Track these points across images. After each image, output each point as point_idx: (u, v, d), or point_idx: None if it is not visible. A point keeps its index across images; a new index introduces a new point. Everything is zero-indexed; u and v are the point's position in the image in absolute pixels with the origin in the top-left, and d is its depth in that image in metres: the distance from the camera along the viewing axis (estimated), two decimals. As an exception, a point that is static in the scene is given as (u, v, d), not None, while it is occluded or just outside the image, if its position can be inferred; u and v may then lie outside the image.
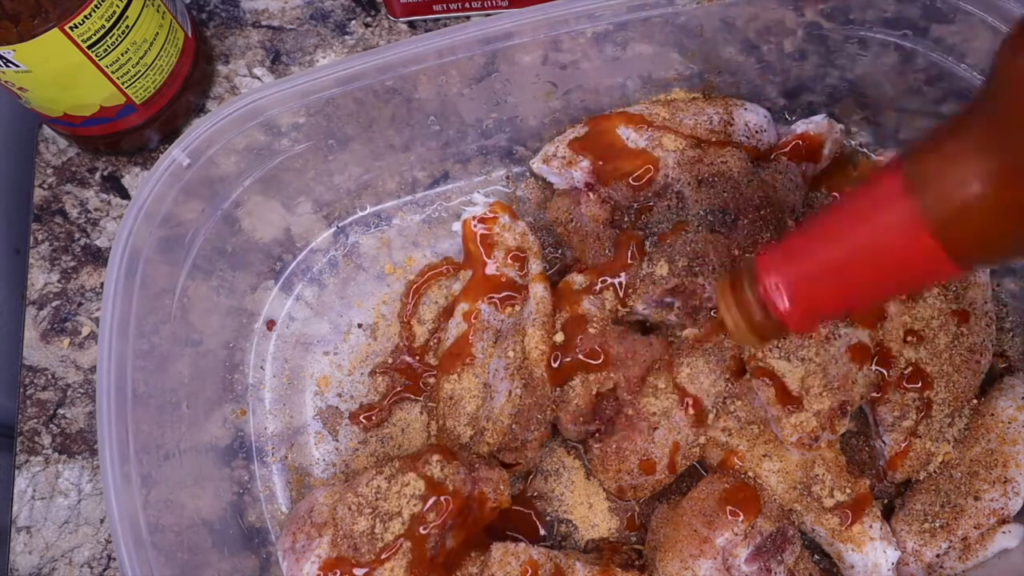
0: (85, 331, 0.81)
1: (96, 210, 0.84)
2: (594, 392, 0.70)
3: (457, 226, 0.79)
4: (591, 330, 0.71)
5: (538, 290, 0.73)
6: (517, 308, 0.74)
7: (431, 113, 0.76)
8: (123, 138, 0.83)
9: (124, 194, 0.85)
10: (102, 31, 0.72)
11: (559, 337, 0.72)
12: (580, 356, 0.71)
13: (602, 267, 0.74)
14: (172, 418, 0.70)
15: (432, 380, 0.76)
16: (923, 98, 0.77)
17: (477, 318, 0.73)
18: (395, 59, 0.70)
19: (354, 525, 0.64)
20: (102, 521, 0.76)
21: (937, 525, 0.68)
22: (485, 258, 0.75)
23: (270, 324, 0.79)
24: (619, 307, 0.73)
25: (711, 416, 0.70)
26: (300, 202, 0.79)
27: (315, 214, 0.80)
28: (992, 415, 0.71)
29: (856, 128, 0.82)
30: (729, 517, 0.66)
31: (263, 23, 0.89)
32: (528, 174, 0.82)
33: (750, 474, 0.69)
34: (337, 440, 0.77)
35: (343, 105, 0.72)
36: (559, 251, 0.79)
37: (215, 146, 0.70)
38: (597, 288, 0.73)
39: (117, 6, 0.72)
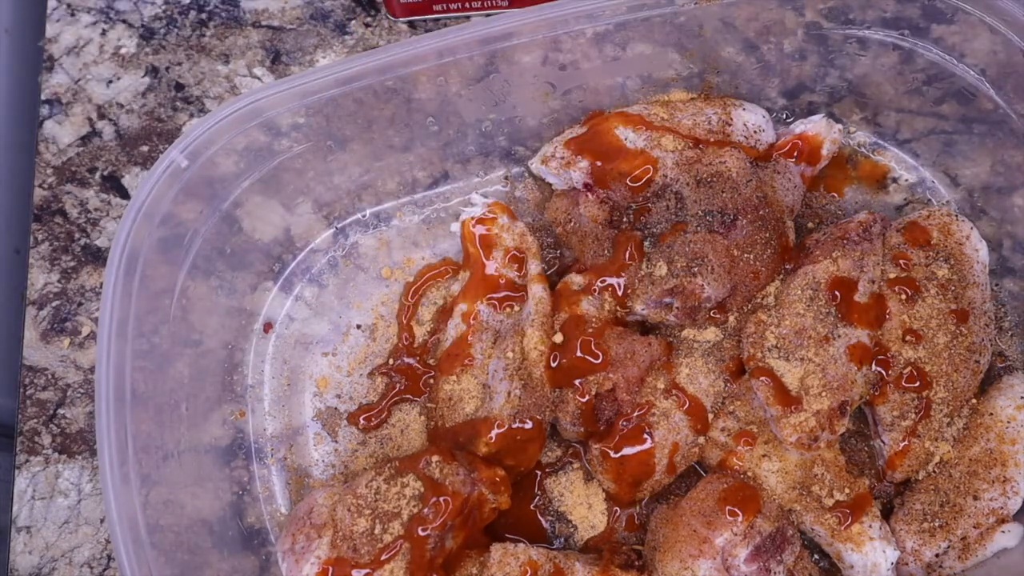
0: (85, 331, 0.81)
1: (96, 210, 0.84)
2: (593, 393, 0.70)
3: (456, 227, 0.78)
4: (590, 330, 0.71)
5: (537, 290, 0.73)
6: (516, 309, 0.74)
7: (431, 113, 0.76)
8: None
9: (124, 194, 0.85)
10: None
11: (558, 338, 0.71)
12: (579, 356, 0.71)
13: (601, 267, 0.74)
14: (171, 418, 0.70)
15: (431, 381, 0.76)
16: (923, 98, 0.76)
17: (476, 319, 0.73)
18: (395, 59, 0.70)
19: (353, 526, 0.64)
20: (102, 521, 0.76)
21: (936, 525, 0.68)
22: (484, 259, 0.75)
23: (267, 327, 0.79)
24: (618, 307, 0.73)
25: (710, 416, 0.70)
26: (300, 202, 0.79)
27: (315, 214, 0.80)
28: (991, 414, 0.71)
29: (856, 128, 0.81)
30: (728, 517, 0.66)
31: (263, 23, 0.89)
32: (527, 174, 0.82)
33: (749, 474, 0.69)
34: (336, 441, 0.77)
35: (343, 105, 0.72)
36: (558, 251, 0.79)
37: (214, 146, 0.70)
38: (596, 288, 0.73)
39: None
